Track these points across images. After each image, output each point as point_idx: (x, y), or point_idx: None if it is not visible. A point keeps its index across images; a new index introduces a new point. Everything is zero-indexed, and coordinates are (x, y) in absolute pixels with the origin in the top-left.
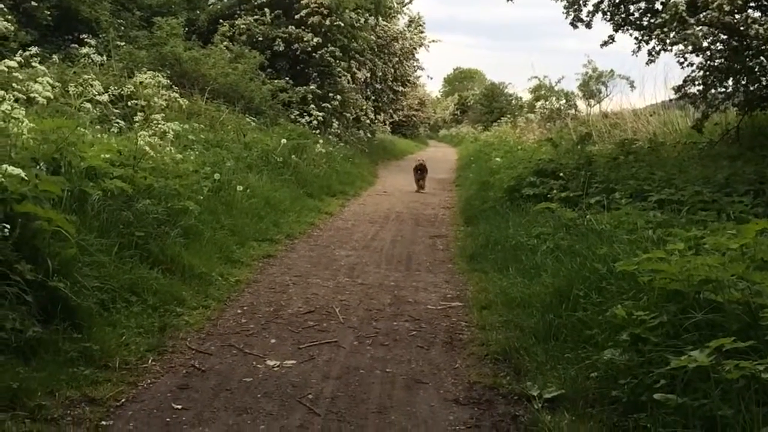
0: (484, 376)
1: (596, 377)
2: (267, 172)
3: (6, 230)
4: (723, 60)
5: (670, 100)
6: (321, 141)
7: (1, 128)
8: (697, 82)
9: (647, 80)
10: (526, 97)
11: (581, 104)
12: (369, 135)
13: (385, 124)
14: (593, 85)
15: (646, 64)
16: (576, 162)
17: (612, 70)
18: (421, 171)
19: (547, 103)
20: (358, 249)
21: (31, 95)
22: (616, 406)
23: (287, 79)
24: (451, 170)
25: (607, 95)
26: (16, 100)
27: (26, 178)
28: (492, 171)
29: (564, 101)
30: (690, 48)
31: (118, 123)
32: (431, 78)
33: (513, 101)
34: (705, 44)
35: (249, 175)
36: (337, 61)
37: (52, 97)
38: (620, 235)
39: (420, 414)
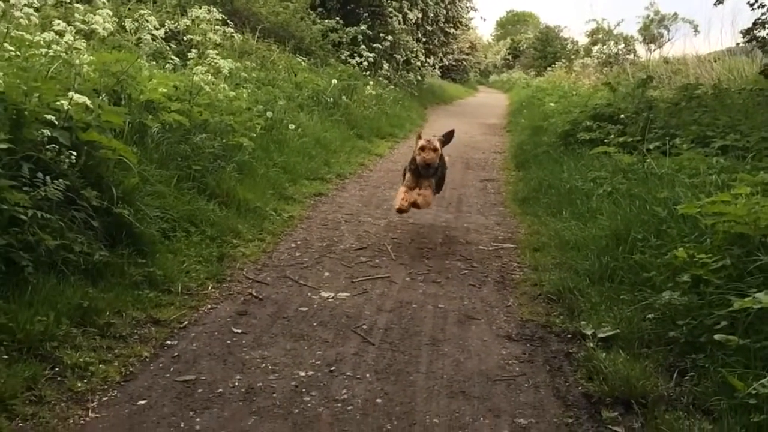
0: (537, 314)
1: (653, 318)
2: (318, 112)
3: (73, 157)
4: None
5: (737, 45)
6: (371, 83)
7: (65, 59)
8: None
9: (713, 24)
10: (583, 41)
11: (641, 49)
12: (419, 78)
13: (435, 68)
14: (654, 28)
15: (714, 5)
16: (635, 107)
17: (675, 13)
18: (424, 168)
19: (605, 47)
20: None
21: (92, 26)
22: (672, 347)
23: (338, 19)
24: (501, 116)
25: (669, 40)
26: (78, 32)
27: (91, 106)
28: (545, 116)
29: (623, 45)
30: None
31: (172, 59)
32: (484, 19)
33: (568, 46)
34: None
35: (300, 114)
36: (389, 1)
37: (112, 29)
38: (682, 179)
39: (472, 347)
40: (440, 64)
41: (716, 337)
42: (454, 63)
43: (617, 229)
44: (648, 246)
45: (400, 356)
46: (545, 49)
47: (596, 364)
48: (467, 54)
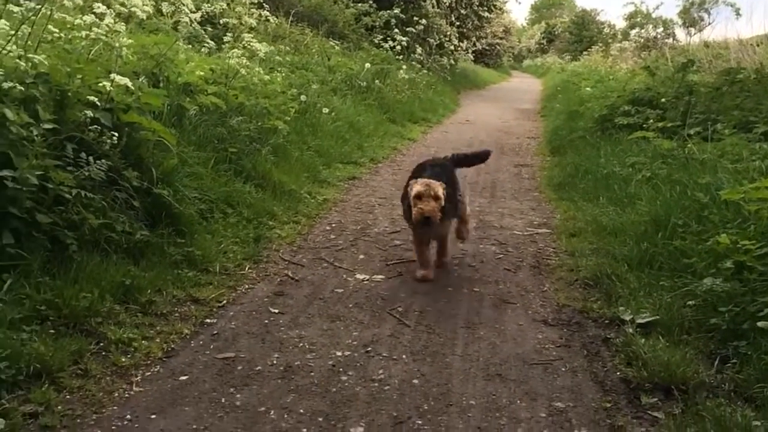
0: (574, 299)
1: (694, 305)
2: (351, 96)
3: (114, 138)
4: None
5: None
6: (404, 67)
7: (106, 41)
8: None
9: (756, 8)
10: (620, 24)
11: (680, 33)
12: (452, 62)
13: (468, 53)
14: (695, 12)
15: None
16: (675, 91)
17: None
18: (423, 223)
19: (643, 31)
20: None
21: (131, 9)
22: (713, 334)
23: (371, 2)
24: (535, 101)
25: (710, 23)
26: (117, 15)
27: (132, 88)
28: (581, 100)
29: (661, 29)
30: None
31: (208, 43)
32: (519, 3)
33: (605, 29)
34: None
35: (333, 98)
36: None
37: (150, 12)
38: (724, 164)
39: (508, 331)
40: (473, 49)
41: (759, 324)
42: (487, 47)
43: (657, 214)
44: (689, 232)
45: (435, 338)
46: (581, 33)
47: (635, 349)
48: (501, 38)
